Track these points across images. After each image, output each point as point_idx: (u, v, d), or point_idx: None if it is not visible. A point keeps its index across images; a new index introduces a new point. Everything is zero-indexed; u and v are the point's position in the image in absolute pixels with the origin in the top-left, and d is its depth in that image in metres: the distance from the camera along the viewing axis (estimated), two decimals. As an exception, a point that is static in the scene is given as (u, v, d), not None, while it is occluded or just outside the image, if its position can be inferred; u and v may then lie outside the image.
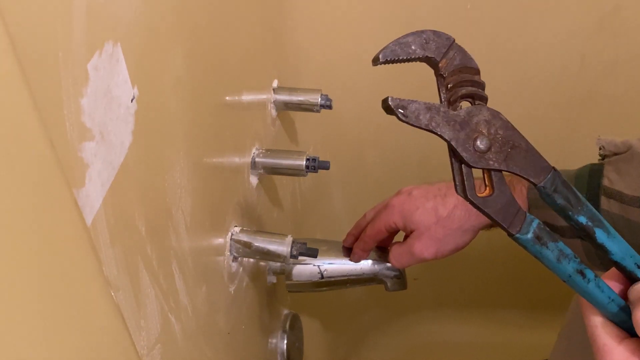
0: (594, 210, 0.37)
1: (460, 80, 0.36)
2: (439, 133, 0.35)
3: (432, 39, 0.35)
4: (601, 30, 0.86)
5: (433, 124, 0.34)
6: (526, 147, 0.36)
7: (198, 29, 0.46)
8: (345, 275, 0.70)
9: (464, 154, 0.35)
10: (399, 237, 0.71)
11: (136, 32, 0.34)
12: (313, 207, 0.99)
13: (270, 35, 0.73)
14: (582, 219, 0.37)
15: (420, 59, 0.36)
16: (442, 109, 0.35)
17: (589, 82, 0.91)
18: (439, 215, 0.64)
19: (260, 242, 0.57)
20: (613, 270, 0.38)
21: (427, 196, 0.66)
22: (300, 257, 0.58)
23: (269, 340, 0.76)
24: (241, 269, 0.60)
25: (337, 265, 0.70)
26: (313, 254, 0.59)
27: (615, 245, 0.37)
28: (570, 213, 0.37)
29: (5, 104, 0.23)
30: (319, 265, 0.69)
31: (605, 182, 0.56)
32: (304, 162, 0.66)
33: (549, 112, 0.95)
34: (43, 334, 0.26)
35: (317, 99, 0.71)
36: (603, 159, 0.59)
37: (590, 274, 0.37)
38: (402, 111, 0.34)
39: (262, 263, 0.69)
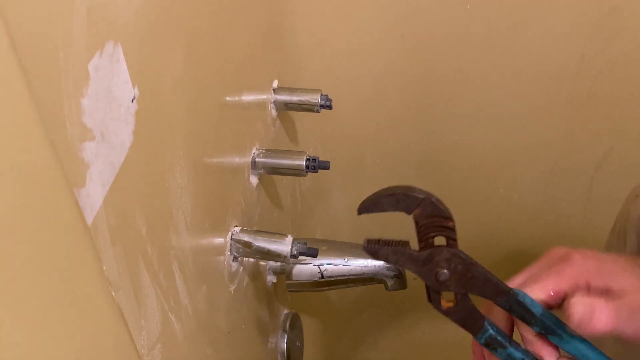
0: (545, 322, 0.44)
1: (430, 224, 0.43)
2: (406, 268, 0.44)
3: (402, 199, 0.42)
4: (601, 30, 0.86)
5: (400, 262, 0.43)
6: (484, 277, 0.44)
7: (198, 29, 0.46)
8: (345, 275, 0.70)
9: (427, 282, 0.45)
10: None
11: (136, 32, 0.34)
12: (313, 207, 0.99)
13: (270, 35, 0.73)
14: (536, 329, 0.45)
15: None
16: (407, 251, 0.43)
17: (588, 82, 0.91)
18: None
19: (261, 242, 0.56)
20: None
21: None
22: (300, 257, 0.58)
23: (269, 340, 0.76)
24: (241, 268, 0.60)
25: (337, 265, 0.70)
26: (313, 253, 0.59)
27: (566, 346, 0.45)
28: (525, 323, 0.45)
29: (6, 104, 0.23)
30: (319, 265, 0.69)
31: None
32: (304, 162, 0.66)
33: (549, 112, 0.94)
34: (43, 333, 0.26)
35: (317, 99, 0.71)
36: None
37: None
38: (373, 255, 0.44)
39: (262, 263, 0.69)
